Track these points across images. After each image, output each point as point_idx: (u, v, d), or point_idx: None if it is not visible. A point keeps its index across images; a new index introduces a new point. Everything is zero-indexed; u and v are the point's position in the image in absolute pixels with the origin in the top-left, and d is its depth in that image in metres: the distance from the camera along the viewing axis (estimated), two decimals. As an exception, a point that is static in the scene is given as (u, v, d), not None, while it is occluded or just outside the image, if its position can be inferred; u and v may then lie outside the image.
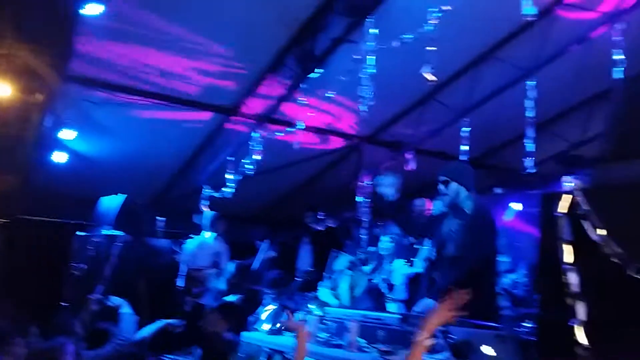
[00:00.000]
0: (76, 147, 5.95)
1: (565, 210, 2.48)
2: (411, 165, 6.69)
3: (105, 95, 5.31)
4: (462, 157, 6.36)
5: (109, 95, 5.31)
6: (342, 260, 5.36)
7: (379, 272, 5.20)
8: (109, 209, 5.30)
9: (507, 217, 7.26)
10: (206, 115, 6.04)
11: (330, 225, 6.82)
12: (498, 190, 7.85)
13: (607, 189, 2.50)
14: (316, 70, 5.06)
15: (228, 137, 6.23)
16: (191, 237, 6.13)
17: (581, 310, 2.31)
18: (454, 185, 3.81)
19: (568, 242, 2.44)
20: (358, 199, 7.05)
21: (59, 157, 5.72)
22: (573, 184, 2.54)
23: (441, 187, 3.83)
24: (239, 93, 5.74)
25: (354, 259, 5.15)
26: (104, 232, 5.11)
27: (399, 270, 4.99)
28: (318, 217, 7.01)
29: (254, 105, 5.91)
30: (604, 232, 2.32)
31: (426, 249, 3.97)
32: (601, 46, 5.11)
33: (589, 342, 2.26)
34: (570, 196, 2.48)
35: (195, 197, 6.82)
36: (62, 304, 4.89)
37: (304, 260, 6.50)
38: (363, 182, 6.94)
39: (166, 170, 6.94)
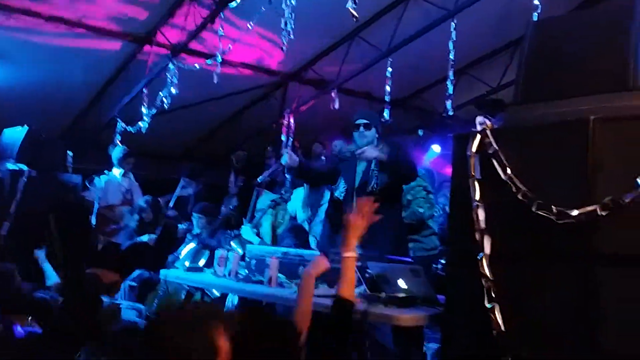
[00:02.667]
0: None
1: (477, 149, 2.54)
2: (335, 105, 6.66)
3: (3, 18, 4.86)
4: (387, 98, 6.40)
5: (7, 19, 4.86)
6: (265, 199, 5.33)
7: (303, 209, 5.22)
8: (12, 141, 4.93)
9: (428, 158, 7.48)
10: (116, 45, 5.68)
11: (253, 164, 6.76)
12: (420, 132, 8.07)
13: (514, 130, 2.57)
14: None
15: (142, 68, 5.90)
16: (104, 174, 5.87)
17: (487, 244, 2.40)
18: (373, 130, 3.95)
19: (477, 180, 2.51)
20: (283, 137, 7.01)
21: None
22: (484, 125, 2.59)
23: (362, 129, 3.91)
24: (153, 21, 5.42)
25: (277, 198, 5.14)
26: (9, 166, 4.77)
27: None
28: (242, 155, 6.93)
29: (170, 35, 5.61)
30: (510, 170, 2.39)
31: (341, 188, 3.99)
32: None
33: (492, 274, 2.37)
34: (481, 136, 2.53)
35: (108, 131, 6.51)
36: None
37: (228, 199, 6.43)
38: (287, 120, 6.87)
39: (76, 101, 6.57)
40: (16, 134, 4.97)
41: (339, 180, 4.04)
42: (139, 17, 5.40)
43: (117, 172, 5.92)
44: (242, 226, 4.69)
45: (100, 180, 5.71)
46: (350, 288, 2.39)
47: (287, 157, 3.86)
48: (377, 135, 3.96)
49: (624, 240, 2.13)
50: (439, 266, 4.78)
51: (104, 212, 5.56)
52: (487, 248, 2.41)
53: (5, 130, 5.19)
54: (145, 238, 5.19)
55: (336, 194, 4.05)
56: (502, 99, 5.95)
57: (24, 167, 4.72)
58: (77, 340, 2.34)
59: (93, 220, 5.46)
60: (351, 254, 2.39)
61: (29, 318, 3.05)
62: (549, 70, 2.60)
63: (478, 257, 2.39)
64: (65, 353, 2.30)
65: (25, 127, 4.91)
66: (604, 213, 2.13)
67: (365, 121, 3.93)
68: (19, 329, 2.90)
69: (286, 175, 5.34)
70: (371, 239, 3.34)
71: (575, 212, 2.18)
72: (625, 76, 2.33)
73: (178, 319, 1.59)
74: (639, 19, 2.35)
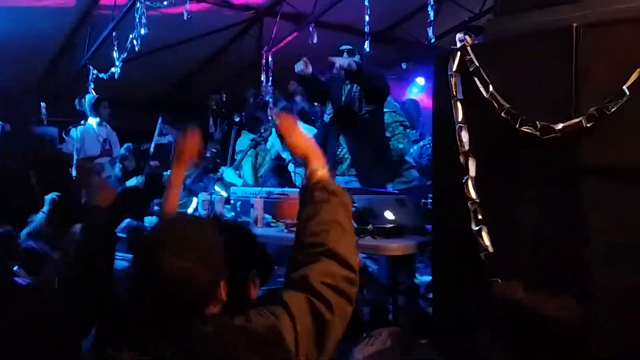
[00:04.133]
0: None
1: (456, 69, 2.43)
2: (314, 39, 6.43)
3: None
4: (366, 29, 6.18)
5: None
6: (244, 139, 5.23)
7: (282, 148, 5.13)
8: (-19, 97, 4.76)
9: (413, 92, 7.33)
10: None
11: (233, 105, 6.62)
12: (404, 66, 7.86)
13: (495, 44, 2.47)
14: None
15: (107, 10, 5.63)
16: (81, 124, 5.71)
17: (472, 166, 2.34)
18: (357, 57, 3.93)
19: (460, 101, 2.41)
20: (262, 77, 6.81)
21: None
22: (464, 42, 2.47)
23: (345, 55, 3.88)
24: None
25: (256, 137, 5.04)
26: (-19, 122, 4.62)
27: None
28: (221, 98, 6.77)
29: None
30: (492, 88, 2.30)
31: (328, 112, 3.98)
32: None
33: (478, 196, 2.31)
34: (461, 53, 2.42)
35: (82, 81, 6.29)
36: None
37: (211, 143, 6.31)
38: (265, 58, 6.66)
39: (44, 52, 6.31)
40: (-15, 88, 4.78)
41: (327, 104, 4.07)
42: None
43: (93, 121, 5.74)
44: (224, 168, 4.61)
45: (76, 131, 5.55)
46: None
47: (303, 65, 3.73)
48: (360, 62, 3.88)
49: (609, 152, 2.07)
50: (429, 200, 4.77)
51: (84, 164, 5.43)
52: (472, 170, 2.34)
53: (-26, 84, 5.01)
54: (133, 182, 5.10)
55: (325, 118, 4.07)
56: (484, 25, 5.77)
57: (-2, 122, 4.57)
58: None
59: (73, 173, 5.34)
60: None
61: (15, 268, 2.99)
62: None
63: (462, 180, 2.33)
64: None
65: (-5, 80, 4.72)
66: (589, 125, 2.07)
67: (348, 47, 3.92)
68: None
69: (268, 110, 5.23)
70: (364, 170, 3.31)
71: (559, 126, 2.11)
72: (610, -20, 2.22)
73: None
74: None
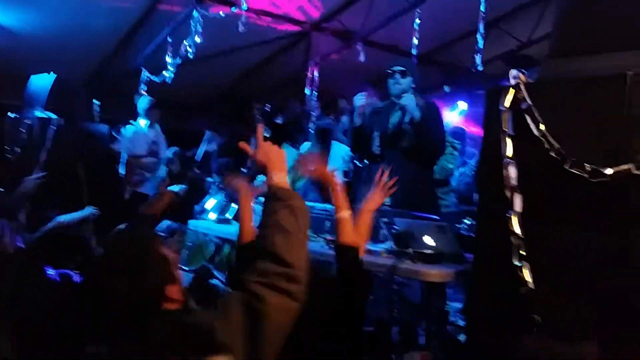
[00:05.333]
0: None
1: (509, 105, 2.49)
2: (361, 57, 6.54)
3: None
4: (413, 51, 6.27)
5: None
6: (288, 154, 5.30)
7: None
8: (39, 89, 4.95)
9: (454, 116, 7.36)
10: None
11: (279, 117, 6.74)
12: (447, 89, 7.88)
13: (549, 84, 2.51)
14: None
15: (165, 15, 5.83)
16: (130, 124, 5.90)
17: (517, 201, 2.39)
18: (409, 79, 3.78)
19: (510, 136, 2.47)
20: (306, 90, 6.94)
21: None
22: (518, 79, 2.53)
23: (397, 76, 3.76)
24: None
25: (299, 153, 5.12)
26: (37, 114, 4.81)
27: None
28: (266, 109, 6.90)
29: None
30: (543, 126, 2.35)
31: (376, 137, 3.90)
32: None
33: (522, 232, 2.36)
34: (515, 90, 2.48)
35: (133, 81, 6.50)
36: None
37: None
38: (311, 72, 6.79)
39: (99, 48, 6.53)
40: (43, 81, 4.97)
41: (374, 136, 3.91)
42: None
43: (142, 122, 5.94)
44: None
45: (127, 130, 5.74)
46: (350, 236, 2.29)
47: (363, 98, 3.71)
48: (413, 86, 3.79)
49: (659, 200, 2.10)
50: (464, 225, 4.79)
51: (133, 162, 5.60)
52: (517, 206, 2.39)
53: (32, 76, 5.21)
54: (175, 188, 5.23)
55: (374, 149, 3.92)
56: (532, 54, 5.80)
57: (53, 116, 4.75)
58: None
59: (122, 170, 5.52)
60: (343, 214, 2.32)
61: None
62: (587, 23, 2.52)
63: (507, 215, 2.38)
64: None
65: (53, 75, 4.91)
66: (639, 172, 2.10)
67: (401, 68, 3.76)
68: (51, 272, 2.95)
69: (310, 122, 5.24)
70: (403, 195, 3.33)
71: (609, 171, 2.15)
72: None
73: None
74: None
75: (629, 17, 2.38)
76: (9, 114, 5.15)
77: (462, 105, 7.43)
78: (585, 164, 2.21)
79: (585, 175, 2.21)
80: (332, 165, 4.03)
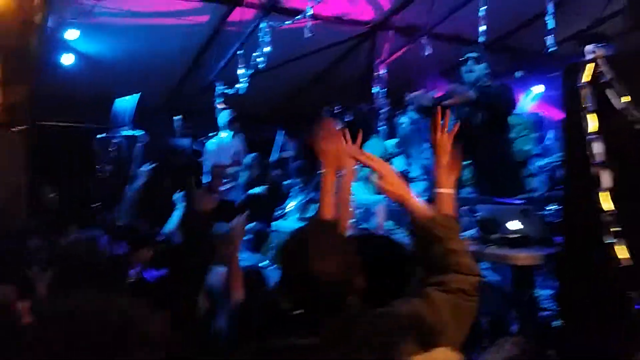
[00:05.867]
0: (82, 48, 5.88)
1: (589, 80, 2.44)
2: (427, 51, 6.50)
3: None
4: (481, 39, 6.16)
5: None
6: (374, 143, 5.29)
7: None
8: (124, 109, 5.29)
9: (530, 101, 7.15)
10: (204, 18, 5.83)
11: (348, 119, 6.80)
12: (519, 74, 7.66)
13: (629, 56, 2.44)
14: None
15: (234, 30, 6.05)
16: (211, 136, 6.16)
17: (605, 178, 2.33)
18: (483, 65, 3.72)
19: (592, 112, 2.42)
20: (374, 89, 6.97)
21: (67, 59, 5.69)
22: (596, 53, 2.47)
23: (470, 63, 3.70)
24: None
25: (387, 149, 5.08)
26: (124, 133, 5.13)
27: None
28: (335, 110, 6.97)
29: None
30: (627, 98, 2.29)
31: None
32: None
33: (611, 208, 2.30)
34: (593, 65, 2.43)
35: (209, 95, 6.77)
36: (93, 205, 5.03)
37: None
38: (379, 71, 6.81)
39: (175, 68, 6.84)
40: (128, 102, 5.32)
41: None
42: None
43: (224, 134, 6.17)
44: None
45: (212, 144, 5.99)
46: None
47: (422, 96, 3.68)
48: (487, 71, 3.72)
49: None
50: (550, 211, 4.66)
51: (218, 171, 5.80)
52: (606, 182, 2.34)
53: (116, 100, 5.56)
54: (257, 190, 5.42)
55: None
56: (605, 32, 5.56)
57: (139, 133, 5.05)
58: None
59: (207, 179, 5.76)
60: (445, 190, 1.93)
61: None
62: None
63: (596, 192, 2.33)
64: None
65: (136, 95, 5.23)
66: None
67: (474, 54, 3.70)
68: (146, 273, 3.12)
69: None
70: (485, 180, 3.26)
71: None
72: None
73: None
74: None
75: None
76: (98, 136, 5.54)
77: (537, 89, 7.21)
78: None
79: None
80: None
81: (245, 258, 4.23)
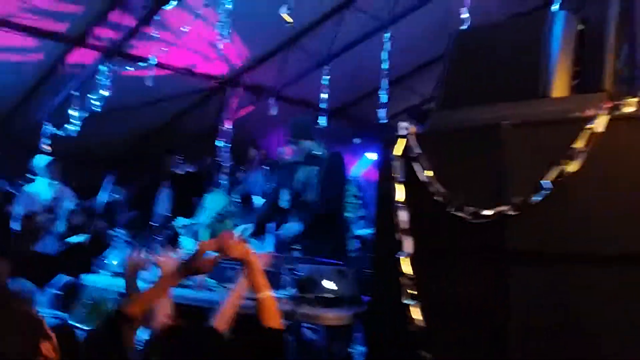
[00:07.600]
0: None
1: (400, 153, 2.64)
2: (273, 112, 6.70)
3: None
4: (322, 106, 6.51)
5: None
6: (214, 198, 5.21)
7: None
8: None
9: (362, 166, 7.64)
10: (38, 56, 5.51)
11: (189, 169, 6.70)
12: (357, 141, 8.22)
13: (435, 134, 2.69)
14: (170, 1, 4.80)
15: (72, 69, 5.74)
16: (32, 180, 5.64)
17: (407, 243, 2.50)
18: (304, 142, 4.04)
19: (400, 183, 2.60)
20: (219, 142, 6.97)
21: None
22: (409, 129, 2.69)
23: (292, 146, 4.05)
24: (84, 20, 5.29)
25: (223, 212, 5.07)
26: None
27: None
28: (177, 160, 6.84)
29: (103, 35, 5.49)
30: (430, 173, 2.50)
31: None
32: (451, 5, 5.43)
33: (413, 272, 2.46)
34: (404, 140, 2.64)
35: (36, 135, 6.26)
36: None
37: (162, 204, 6.32)
38: (224, 125, 6.85)
39: (2, 104, 6.30)
40: None
41: (280, 192, 4.10)
42: (70, 18, 5.24)
43: (41, 181, 5.68)
44: (184, 239, 4.62)
45: (29, 187, 5.48)
46: (275, 317, 2.14)
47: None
48: (312, 143, 4.04)
49: (531, 238, 2.27)
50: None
51: (26, 221, 5.30)
52: (407, 247, 2.50)
53: None
54: (77, 239, 5.03)
55: (281, 204, 4.09)
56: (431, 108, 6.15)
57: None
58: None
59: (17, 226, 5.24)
60: (264, 294, 2.14)
61: None
62: (468, 78, 2.74)
63: (397, 257, 2.48)
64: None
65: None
66: (513, 213, 2.27)
67: (292, 139, 4.05)
68: None
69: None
70: (315, 247, 3.41)
71: (487, 212, 2.31)
72: (536, 85, 2.49)
73: None
74: (548, 30, 2.52)
75: (505, 71, 2.61)
76: None
77: (371, 156, 7.75)
78: (466, 207, 2.37)
79: (467, 217, 2.36)
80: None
81: (52, 315, 3.87)
